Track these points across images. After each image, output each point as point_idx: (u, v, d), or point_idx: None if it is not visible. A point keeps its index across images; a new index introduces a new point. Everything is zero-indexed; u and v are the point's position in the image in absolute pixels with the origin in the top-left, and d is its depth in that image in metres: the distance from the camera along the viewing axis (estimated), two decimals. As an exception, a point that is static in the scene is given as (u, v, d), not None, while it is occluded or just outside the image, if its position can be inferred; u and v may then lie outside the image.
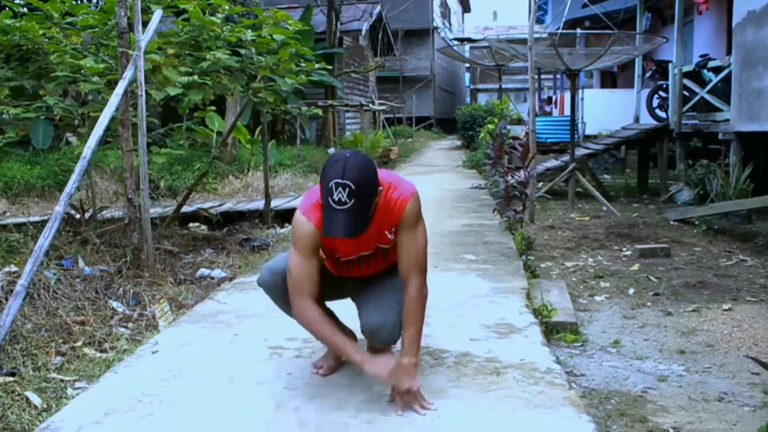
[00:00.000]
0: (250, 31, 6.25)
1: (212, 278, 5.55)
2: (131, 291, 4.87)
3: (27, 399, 3.20)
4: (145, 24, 5.29)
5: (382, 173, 2.86)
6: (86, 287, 4.85)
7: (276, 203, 9.35)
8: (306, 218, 2.78)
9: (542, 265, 6.07)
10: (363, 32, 20.75)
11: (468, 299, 4.34)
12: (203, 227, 8.09)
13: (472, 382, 2.98)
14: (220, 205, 9.32)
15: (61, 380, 3.49)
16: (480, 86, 38.11)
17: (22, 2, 5.87)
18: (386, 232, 2.86)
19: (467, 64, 34.17)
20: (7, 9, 5.78)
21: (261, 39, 6.56)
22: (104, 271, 5.15)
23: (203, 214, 7.59)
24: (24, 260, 5.17)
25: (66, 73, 5.58)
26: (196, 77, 5.86)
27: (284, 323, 3.20)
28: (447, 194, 10.17)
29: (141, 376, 3.18)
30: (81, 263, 5.28)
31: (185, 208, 7.86)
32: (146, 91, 5.96)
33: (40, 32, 5.87)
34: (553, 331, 4.13)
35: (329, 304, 3.18)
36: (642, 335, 4.22)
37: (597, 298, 5.05)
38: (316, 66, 7.07)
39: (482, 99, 26.20)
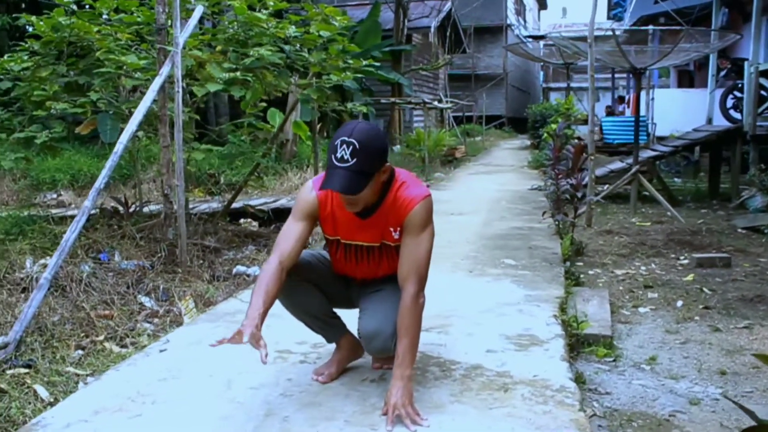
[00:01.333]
0: (293, 27, 6.18)
1: (248, 276, 5.51)
2: (161, 286, 4.87)
3: (35, 392, 3.20)
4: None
5: (400, 171, 2.81)
6: (118, 281, 4.88)
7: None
8: (312, 185, 2.80)
9: (590, 272, 5.82)
10: (432, 29, 20.54)
11: (495, 307, 4.16)
12: (254, 224, 8.10)
13: (475, 397, 2.81)
14: (274, 202, 9.34)
15: (75, 374, 3.49)
16: (552, 85, 37.31)
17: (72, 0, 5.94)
18: (391, 230, 2.76)
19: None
20: (59, 7, 5.86)
21: (308, 36, 6.49)
22: (139, 265, 5.17)
23: (250, 210, 7.59)
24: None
25: (110, 69, 5.63)
26: (238, 74, 5.84)
27: (298, 326, 3.11)
28: (504, 195, 9.93)
29: (141, 374, 3.13)
30: (117, 257, 5.32)
31: (236, 204, 7.89)
32: (189, 87, 6.00)
33: (95, 29, 5.95)
34: (584, 345, 3.92)
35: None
36: (682, 352, 3.96)
37: (641, 310, 4.79)
38: (364, 63, 6.94)
39: (554, 98, 25.57)
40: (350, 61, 6.87)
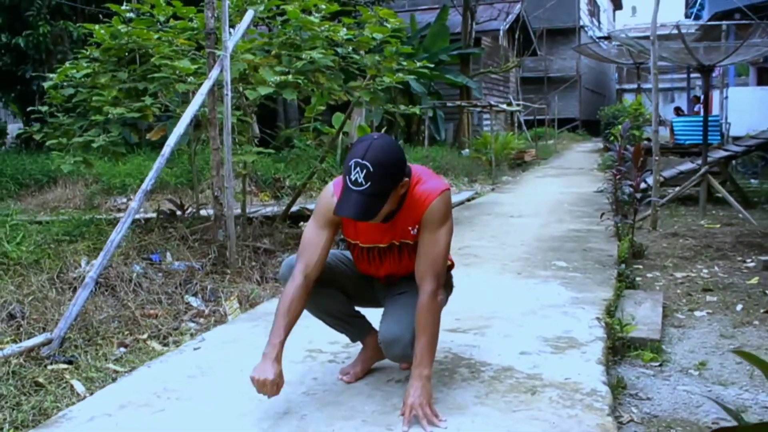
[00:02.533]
0: (345, 29, 6.18)
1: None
2: (209, 287, 4.93)
3: (72, 387, 3.27)
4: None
5: (415, 167, 2.72)
6: (167, 281, 4.96)
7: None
8: (333, 190, 2.71)
9: (648, 275, 5.63)
10: (501, 32, 20.35)
11: (538, 309, 4.05)
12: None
13: (500, 399, 2.73)
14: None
15: (114, 371, 3.55)
16: (626, 86, 36.42)
17: (129, 8, 6.10)
18: (409, 228, 2.70)
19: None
20: (117, 16, 6.03)
21: (361, 38, 6.50)
22: (189, 266, 5.25)
23: (307, 213, 7.63)
24: (118, 253, 5.38)
25: (164, 74, 5.75)
26: (289, 77, 5.88)
27: (331, 326, 3.10)
28: (567, 198, 9.72)
29: (171, 371, 3.17)
30: (169, 258, 5.42)
31: (296, 207, 7.96)
32: (242, 91, 6.08)
33: (155, 36, 6.10)
34: (629, 348, 3.77)
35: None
36: (735, 358, 3.77)
37: (697, 314, 4.59)
38: (418, 64, 6.89)
39: (629, 99, 24.98)
40: (404, 63, 6.83)
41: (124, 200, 10.93)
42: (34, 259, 4.82)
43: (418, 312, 2.59)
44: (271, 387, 2.51)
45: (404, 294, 2.83)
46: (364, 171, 2.41)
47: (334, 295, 2.92)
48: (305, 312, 2.76)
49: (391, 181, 2.48)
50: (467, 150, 16.91)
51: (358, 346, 3.19)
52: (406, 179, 2.56)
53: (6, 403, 2.98)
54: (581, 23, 31.89)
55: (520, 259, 5.51)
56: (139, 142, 14.65)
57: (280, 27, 6.40)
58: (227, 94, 5.18)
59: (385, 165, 2.43)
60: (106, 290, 4.64)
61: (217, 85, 5.30)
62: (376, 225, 2.68)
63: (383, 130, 14.93)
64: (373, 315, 3.07)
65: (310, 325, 3.76)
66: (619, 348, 3.72)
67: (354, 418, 2.59)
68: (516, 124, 20.94)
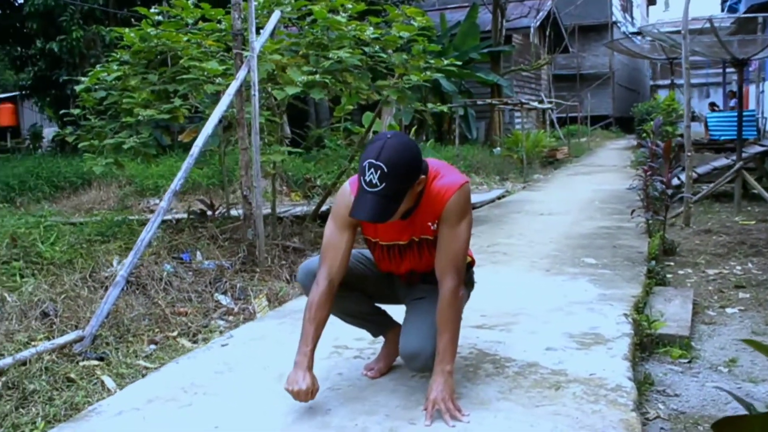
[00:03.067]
0: (371, 28, 6.21)
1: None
2: (238, 285, 4.99)
3: (103, 383, 3.33)
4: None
5: (432, 162, 2.70)
6: (197, 280, 5.02)
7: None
8: (350, 189, 2.68)
9: (680, 272, 5.56)
10: (532, 29, 20.23)
11: (565, 305, 4.03)
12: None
13: (524, 395, 2.73)
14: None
15: (144, 367, 3.61)
16: (660, 82, 35.89)
17: (158, 10, 6.18)
18: (429, 224, 2.68)
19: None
20: (146, 19, 6.12)
21: (388, 37, 6.51)
22: (219, 265, 5.31)
23: (335, 212, 7.67)
24: (149, 253, 5.47)
25: (193, 76, 5.83)
26: (317, 76, 5.91)
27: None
28: (598, 195, 9.64)
29: (198, 367, 3.22)
30: (199, 257, 5.48)
31: (326, 207, 8.00)
32: (270, 91, 6.13)
33: (184, 38, 6.18)
34: (658, 345, 3.74)
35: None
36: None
37: (728, 310, 4.53)
38: (445, 62, 6.89)
39: (662, 95, 24.66)
40: (431, 61, 6.83)
41: (157, 201, 11.07)
42: (67, 258, 4.91)
43: (440, 308, 2.59)
44: (305, 396, 2.55)
45: (424, 300, 2.80)
46: (379, 172, 2.38)
47: (353, 297, 2.92)
48: None
49: (407, 181, 2.46)
50: (499, 148, 16.84)
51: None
52: (423, 177, 2.54)
53: (39, 398, 3.05)
54: (614, 19, 31.52)
55: (549, 256, 5.48)
56: (172, 144, 14.89)
57: (307, 27, 6.45)
58: (254, 95, 5.23)
59: (399, 165, 2.40)
60: (138, 289, 4.72)
61: (246, 86, 5.35)
62: (395, 222, 2.66)
63: (413, 130, 14.93)
64: (396, 309, 3.08)
65: (335, 322, 3.77)
66: (648, 344, 3.69)
67: (377, 412, 2.61)
68: (548, 122, 20.79)
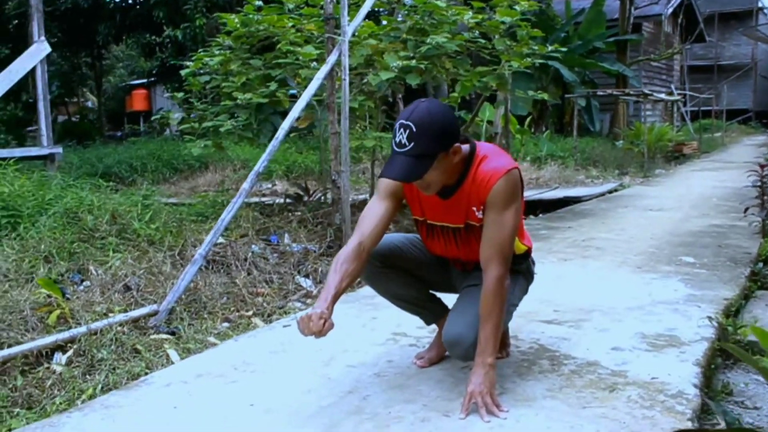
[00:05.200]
0: (470, 13, 6.08)
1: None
2: (321, 269, 5.01)
3: (168, 356, 3.43)
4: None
5: (482, 145, 2.60)
6: (282, 262, 5.09)
7: (528, 194, 9.10)
8: None
9: (795, 276, 5.14)
10: (664, 17, 19.30)
11: (648, 305, 3.79)
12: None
13: (574, 395, 2.58)
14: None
15: (213, 344, 3.68)
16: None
17: (261, -4, 6.29)
18: (474, 209, 2.56)
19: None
20: (249, 4, 6.23)
21: (490, 22, 6.37)
22: (305, 248, 5.37)
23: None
24: (241, 234, 5.60)
25: (290, 61, 5.90)
26: (413, 62, 5.85)
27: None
28: (718, 192, 9.08)
29: (255, 346, 3.25)
30: (287, 239, 5.56)
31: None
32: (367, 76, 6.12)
33: (289, 23, 6.28)
34: (747, 353, 3.45)
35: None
36: None
37: (839, 321, 4.13)
38: (549, 48, 6.66)
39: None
40: (535, 48, 6.62)
41: (269, 185, 11.36)
42: (159, 236, 5.09)
43: (483, 297, 2.48)
44: (316, 321, 2.40)
45: (475, 287, 2.68)
46: (407, 131, 2.34)
47: (400, 279, 2.85)
48: None
49: (437, 142, 2.37)
50: (621, 141, 16.21)
51: (443, 331, 3.12)
52: (457, 145, 2.43)
53: (104, 366, 3.17)
54: (759, 4, 29.55)
55: (645, 253, 5.19)
56: (289, 128, 15.24)
57: (407, 12, 6.40)
58: (345, 79, 5.23)
59: (428, 125, 2.34)
60: (222, 268, 4.83)
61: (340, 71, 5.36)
62: (440, 201, 2.58)
63: (528, 119, 14.60)
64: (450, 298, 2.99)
65: (399, 309, 3.75)
66: (732, 352, 3.41)
67: (415, 402, 2.54)
68: (678, 115, 19.82)
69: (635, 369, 2.83)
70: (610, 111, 18.55)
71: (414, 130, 2.33)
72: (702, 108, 23.08)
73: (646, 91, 14.89)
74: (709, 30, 24.92)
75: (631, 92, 15.00)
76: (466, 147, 2.52)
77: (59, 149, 9.49)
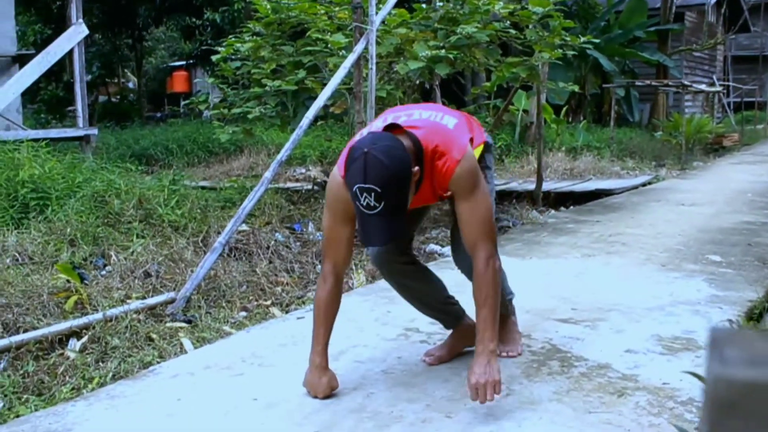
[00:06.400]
0: (501, 2, 6.00)
1: (440, 255, 5.49)
2: (343, 259, 5.00)
3: (182, 345, 3.46)
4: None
5: (427, 134, 2.43)
6: (304, 251, 5.11)
7: (560, 185, 9.00)
8: (341, 180, 2.43)
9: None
10: (707, 6, 18.86)
11: (668, 305, 3.72)
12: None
13: (581, 399, 2.54)
14: (505, 184, 9.21)
15: (228, 333, 3.71)
16: None
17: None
18: (440, 192, 2.52)
19: None
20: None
21: (522, 12, 6.28)
22: (329, 237, 5.36)
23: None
24: (265, 222, 5.62)
25: (319, 48, 5.89)
26: (443, 51, 5.81)
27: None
28: (754, 187, 8.87)
29: (266, 338, 3.26)
30: (311, 228, 5.57)
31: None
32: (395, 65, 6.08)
33: (321, 11, 6.27)
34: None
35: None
36: None
37: None
38: (582, 39, 6.54)
39: None
40: (567, 38, 6.52)
41: (303, 171, 11.39)
42: (184, 222, 5.13)
43: (475, 283, 2.45)
44: (323, 396, 2.55)
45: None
46: (372, 194, 2.22)
47: (424, 277, 2.88)
48: None
49: (404, 188, 2.30)
50: (660, 132, 15.92)
51: (456, 329, 3.10)
52: (417, 168, 2.34)
53: (117, 354, 3.20)
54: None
55: (671, 250, 5.10)
56: (325, 115, 15.29)
57: (441, 2, 6.35)
58: (372, 68, 5.20)
59: (389, 179, 2.23)
60: (244, 256, 4.85)
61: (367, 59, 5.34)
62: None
63: (563, 110, 14.40)
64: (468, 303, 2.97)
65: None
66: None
67: (419, 401, 2.52)
68: (719, 106, 19.39)
69: (647, 373, 2.78)
70: (650, 101, 18.22)
71: (379, 191, 2.22)
72: (745, 99, 22.55)
73: (686, 82, 14.59)
74: (754, 19, 24.27)
75: (671, 83, 14.71)
76: (409, 143, 2.39)
77: (95, 130, 9.61)
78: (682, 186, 9.21)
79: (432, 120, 2.51)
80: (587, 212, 7.01)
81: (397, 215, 2.31)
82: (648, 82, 14.86)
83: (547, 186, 8.44)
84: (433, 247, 5.64)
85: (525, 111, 13.21)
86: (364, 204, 2.25)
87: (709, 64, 21.98)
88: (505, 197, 8.06)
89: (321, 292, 2.63)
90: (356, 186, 2.25)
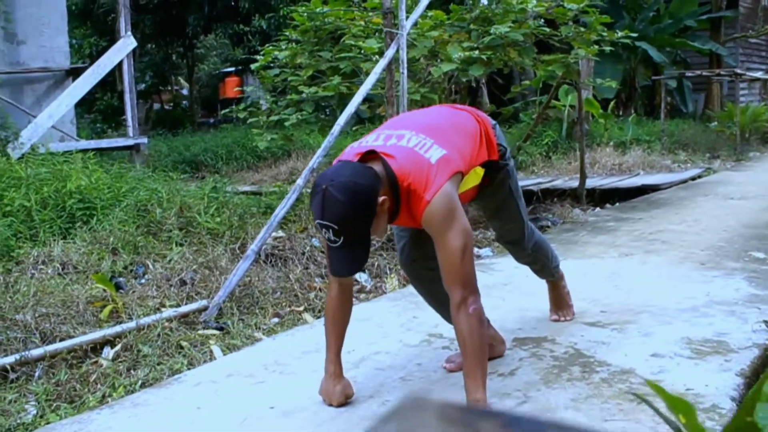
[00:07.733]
0: (535, 0, 5.94)
1: (478, 257, 5.47)
2: (379, 264, 5.03)
3: (211, 352, 3.53)
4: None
5: (403, 166, 2.37)
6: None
7: (605, 182, 8.86)
8: None
9: None
10: (765, -9, 18.29)
11: (703, 305, 3.64)
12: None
13: (598, 406, 2.51)
14: (549, 182, 9.12)
15: (258, 340, 3.77)
16: None
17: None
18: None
19: None
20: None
21: (557, 9, 6.20)
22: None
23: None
24: (301, 228, 5.68)
25: (353, 54, 5.92)
26: (476, 52, 5.78)
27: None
28: (810, 178, 8.60)
29: (290, 345, 3.30)
30: (347, 233, 5.59)
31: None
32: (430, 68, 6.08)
33: (356, 17, 6.30)
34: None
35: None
36: None
37: None
38: (619, 34, 6.43)
39: None
40: (604, 34, 6.41)
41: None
42: (223, 230, 5.22)
43: (455, 328, 2.45)
44: (338, 404, 2.60)
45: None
46: (331, 230, 2.27)
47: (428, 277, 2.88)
48: None
49: (363, 221, 2.29)
50: (715, 123, 15.52)
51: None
52: (382, 198, 2.31)
53: (148, 362, 3.28)
54: None
55: (713, 247, 4.97)
56: (372, 116, 15.37)
57: (471, 2, 6.32)
58: (403, 72, 5.21)
59: (347, 216, 2.24)
60: (279, 261, 4.92)
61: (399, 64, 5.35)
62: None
63: (611, 104, 14.15)
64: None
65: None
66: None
67: (434, 409, 2.53)
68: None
69: (671, 378, 2.73)
70: (704, 91, 17.76)
71: (336, 228, 2.26)
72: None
73: (738, 71, 14.19)
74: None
75: (722, 72, 14.32)
76: (382, 171, 2.36)
77: (144, 139, 9.86)
78: (735, 178, 8.97)
79: (416, 150, 2.42)
80: (630, 209, 6.89)
81: (358, 248, 2.35)
82: (699, 72, 14.48)
83: (592, 182, 8.34)
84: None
85: (572, 107, 13.03)
86: (327, 237, 2.33)
87: (766, 51, 21.31)
88: (548, 195, 7.98)
89: (328, 299, 2.71)
90: (316, 221, 2.32)
